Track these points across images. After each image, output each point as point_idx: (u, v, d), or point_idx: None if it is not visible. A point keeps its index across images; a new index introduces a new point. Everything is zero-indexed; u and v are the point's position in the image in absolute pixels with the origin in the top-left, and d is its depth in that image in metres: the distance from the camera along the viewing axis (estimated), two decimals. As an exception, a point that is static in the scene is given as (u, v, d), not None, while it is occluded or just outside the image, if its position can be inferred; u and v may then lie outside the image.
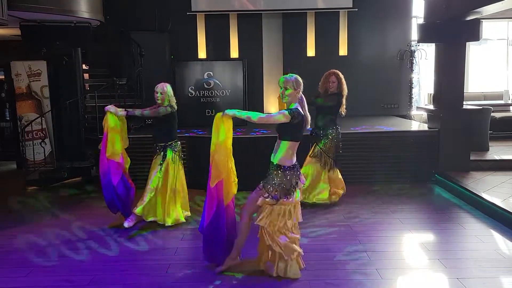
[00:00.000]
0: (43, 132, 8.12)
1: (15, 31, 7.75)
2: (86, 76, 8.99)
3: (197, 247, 4.62)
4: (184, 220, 5.30)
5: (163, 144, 5.28)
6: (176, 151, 5.31)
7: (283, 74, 9.11)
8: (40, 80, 8.62)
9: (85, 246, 4.73)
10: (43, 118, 8.07)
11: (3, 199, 6.74)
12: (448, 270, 4.01)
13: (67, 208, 6.16)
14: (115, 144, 5.10)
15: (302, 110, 3.75)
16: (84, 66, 8.44)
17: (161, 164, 5.23)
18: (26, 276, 4.04)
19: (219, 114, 3.81)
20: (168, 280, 3.91)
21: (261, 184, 3.83)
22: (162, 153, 5.26)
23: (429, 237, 5.00)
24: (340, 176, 5.99)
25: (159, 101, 5.19)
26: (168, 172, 5.23)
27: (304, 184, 4.20)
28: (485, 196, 5.69)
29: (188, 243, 4.82)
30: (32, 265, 4.28)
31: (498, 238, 4.78)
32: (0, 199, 6.77)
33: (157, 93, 5.18)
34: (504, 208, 5.20)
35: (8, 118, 9.73)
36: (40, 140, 7.84)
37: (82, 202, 6.51)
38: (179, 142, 5.42)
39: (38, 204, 6.43)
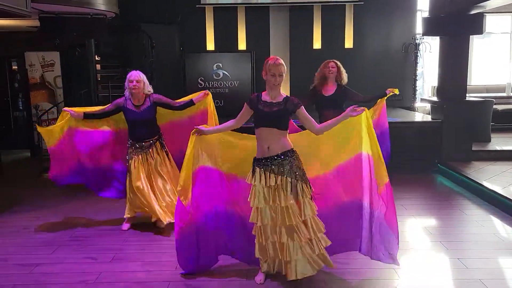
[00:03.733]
0: (58, 121, 8.36)
1: (30, 22, 7.96)
2: (97, 67, 9.21)
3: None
4: None
5: (152, 139, 4.85)
6: (162, 141, 4.97)
7: (289, 67, 9.42)
8: (53, 71, 8.90)
9: (106, 227, 4.97)
10: (56, 108, 8.31)
11: (21, 185, 7.00)
12: (449, 251, 4.24)
13: (84, 192, 6.39)
14: None
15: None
16: (96, 57, 8.66)
17: (148, 161, 4.84)
18: (52, 254, 4.30)
19: None
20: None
21: (289, 180, 3.47)
22: (152, 149, 4.83)
23: (431, 221, 5.23)
24: None
25: (135, 90, 4.65)
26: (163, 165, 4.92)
27: None
28: (486, 184, 5.91)
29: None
30: (56, 244, 4.53)
31: (497, 223, 5.01)
32: (18, 185, 7.04)
33: (132, 81, 4.63)
34: (504, 195, 5.42)
35: (21, 108, 9.97)
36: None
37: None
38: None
39: (55, 189, 6.66)
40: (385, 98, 5.44)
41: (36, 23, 7.46)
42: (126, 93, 4.75)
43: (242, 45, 9.66)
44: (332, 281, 3.66)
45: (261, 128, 3.47)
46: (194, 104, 4.86)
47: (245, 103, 3.59)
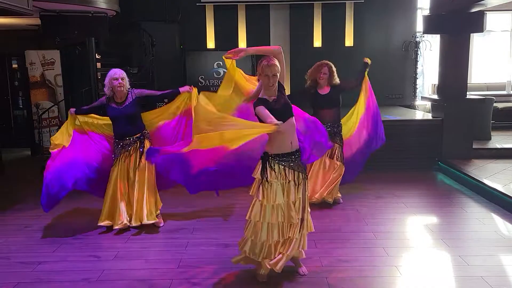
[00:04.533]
0: (59, 119, 8.39)
1: (31, 21, 7.97)
2: (98, 65, 9.22)
3: (217, 224, 4.91)
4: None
5: (137, 135, 4.81)
6: (148, 137, 4.92)
7: (289, 65, 9.42)
8: (53, 69, 8.90)
9: (106, 226, 4.95)
10: (57, 106, 8.32)
11: (22, 184, 7.01)
12: (450, 248, 4.25)
13: (84, 191, 6.41)
14: None
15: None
16: (96, 56, 8.66)
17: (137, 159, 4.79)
18: (54, 252, 4.31)
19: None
20: (187, 255, 4.17)
21: (303, 176, 3.54)
22: (138, 145, 4.79)
23: (432, 219, 5.24)
24: None
25: (121, 88, 4.64)
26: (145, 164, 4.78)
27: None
28: (486, 182, 5.92)
29: (202, 224, 5.07)
30: (58, 242, 4.54)
31: (498, 220, 5.02)
32: (19, 184, 7.04)
33: (117, 79, 4.61)
34: (505, 193, 5.43)
35: (21, 106, 9.98)
36: (57, 127, 8.10)
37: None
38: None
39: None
40: (367, 71, 5.59)
41: (37, 21, 7.47)
42: (107, 91, 4.71)
43: (242, 43, 9.66)
44: (334, 278, 3.67)
45: (284, 124, 3.32)
46: (179, 92, 4.90)
47: (260, 107, 3.35)
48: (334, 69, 5.38)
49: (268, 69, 3.38)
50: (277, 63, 3.41)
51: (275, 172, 3.43)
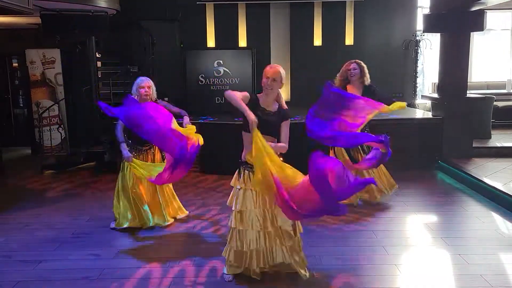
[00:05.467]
0: (59, 118, 8.40)
1: (31, 20, 7.97)
2: (98, 64, 9.22)
3: (218, 222, 4.92)
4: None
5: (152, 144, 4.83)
6: None
7: (290, 64, 9.43)
8: (54, 68, 8.90)
9: (109, 223, 4.97)
10: (57, 105, 8.33)
11: (22, 183, 7.02)
12: (450, 247, 4.26)
13: (85, 190, 6.43)
14: None
15: None
16: (96, 54, 8.66)
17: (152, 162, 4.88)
18: (55, 250, 4.32)
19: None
20: (188, 253, 4.18)
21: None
22: (149, 152, 4.89)
23: (432, 218, 5.24)
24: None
25: (146, 97, 4.65)
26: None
27: None
28: (486, 180, 5.93)
29: (203, 222, 5.08)
30: (59, 241, 4.55)
31: (498, 219, 5.03)
32: (19, 183, 7.05)
33: (143, 87, 4.65)
34: (505, 191, 5.44)
35: (21, 105, 9.98)
36: (57, 126, 8.11)
37: (98, 184, 6.76)
38: None
39: (57, 187, 6.70)
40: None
41: (37, 20, 7.47)
42: (135, 98, 4.62)
43: (242, 42, 9.65)
44: (334, 277, 3.68)
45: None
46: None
47: (249, 95, 3.43)
48: (364, 65, 5.30)
49: (269, 71, 3.44)
50: (281, 70, 3.46)
51: (244, 178, 3.48)
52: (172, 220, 4.99)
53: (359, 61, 5.32)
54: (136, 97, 4.66)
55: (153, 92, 4.76)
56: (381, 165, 5.41)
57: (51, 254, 4.24)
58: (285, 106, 3.61)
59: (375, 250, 4.21)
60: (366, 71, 5.32)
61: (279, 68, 3.47)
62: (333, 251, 4.19)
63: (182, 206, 5.20)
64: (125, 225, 4.80)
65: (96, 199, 5.94)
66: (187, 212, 5.21)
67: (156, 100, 4.80)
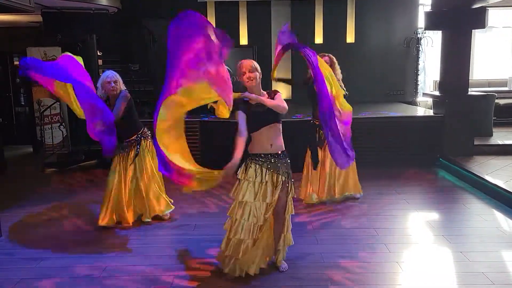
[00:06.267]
0: (61, 116, 8.40)
1: (32, 18, 7.96)
2: (99, 62, 9.22)
3: (218, 221, 4.93)
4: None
5: (134, 137, 4.76)
6: (148, 137, 4.83)
7: (291, 61, 9.43)
8: (55, 66, 8.86)
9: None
10: (59, 103, 8.33)
11: (24, 181, 7.04)
12: (452, 244, 4.26)
13: (86, 188, 6.45)
14: None
15: None
16: (97, 52, 8.66)
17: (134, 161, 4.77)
18: (57, 248, 4.33)
19: None
20: (189, 251, 4.19)
21: (283, 179, 3.56)
22: (135, 147, 4.76)
23: (434, 215, 5.25)
24: None
25: (114, 92, 4.56)
26: (146, 162, 4.81)
27: None
28: (488, 178, 5.92)
29: (204, 220, 5.08)
30: (61, 238, 4.57)
31: (500, 216, 5.03)
32: (21, 181, 7.07)
33: (110, 83, 4.52)
34: (507, 189, 5.43)
35: (23, 103, 9.99)
36: (59, 124, 8.12)
37: (100, 182, 6.76)
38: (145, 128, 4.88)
39: (58, 185, 6.71)
40: None
41: (39, 18, 7.48)
42: (99, 93, 4.52)
43: (243, 40, 9.65)
44: (336, 274, 3.69)
45: (262, 129, 3.48)
46: None
47: (238, 112, 3.42)
48: (335, 60, 5.31)
49: (241, 67, 3.49)
50: (251, 61, 3.50)
51: (249, 170, 3.50)
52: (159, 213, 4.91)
53: (331, 56, 5.29)
54: (102, 92, 4.55)
55: (119, 85, 4.61)
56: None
57: (53, 251, 4.25)
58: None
59: (376, 248, 4.22)
60: (337, 67, 5.29)
61: (248, 61, 3.51)
62: (334, 249, 4.19)
63: (169, 201, 5.03)
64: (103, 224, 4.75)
65: (98, 197, 5.93)
66: (173, 207, 5.06)
67: (121, 90, 4.63)
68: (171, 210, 5.06)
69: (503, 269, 3.80)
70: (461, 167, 6.63)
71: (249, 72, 3.46)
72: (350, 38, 9.77)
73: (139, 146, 4.75)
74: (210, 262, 3.95)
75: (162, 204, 4.97)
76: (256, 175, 3.49)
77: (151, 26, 8.53)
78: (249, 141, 3.53)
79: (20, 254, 4.23)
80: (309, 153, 5.49)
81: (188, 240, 4.47)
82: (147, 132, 4.86)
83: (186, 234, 4.64)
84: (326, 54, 5.32)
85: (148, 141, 4.80)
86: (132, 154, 4.76)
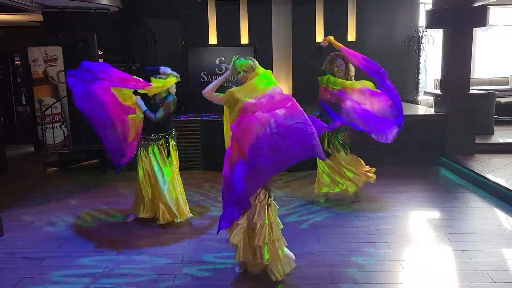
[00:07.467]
0: (62, 115, 8.41)
1: (33, 17, 7.96)
2: (100, 61, 9.22)
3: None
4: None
5: (163, 134, 4.86)
6: (175, 138, 4.99)
7: (292, 60, 9.43)
8: (56, 66, 8.88)
9: (112, 220, 5.01)
10: (60, 102, 8.34)
11: (26, 180, 7.05)
12: (453, 243, 4.26)
13: (88, 187, 6.45)
14: None
15: None
16: (98, 52, 8.65)
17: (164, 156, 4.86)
18: (58, 247, 4.34)
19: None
20: (190, 250, 4.19)
21: None
22: (163, 143, 4.86)
23: (435, 214, 5.24)
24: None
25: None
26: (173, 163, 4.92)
27: None
28: (489, 176, 5.92)
29: (204, 219, 5.08)
30: (62, 238, 4.57)
31: (501, 215, 5.02)
32: (23, 180, 7.07)
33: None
34: (508, 187, 5.43)
35: (24, 103, 10.00)
36: (60, 123, 8.12)
37: (101, 181, 6.78)
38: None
39: (60, 184, 6.71)
40: None
41: (39, 18, 7.47)
42: None
43: (244, 39, 9.63)
44: (336, 273, 3.69)
45: None
46: None
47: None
48: (347, 59, 5.28)
49: (238, 66, 3.83)
50: (246, 61, 3.82)
51: None
52: (183, 219, 4.84)
53: (342, 56, 5.29)
54: None
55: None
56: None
57: (55, 251, 4.26)
58: None
59: (377, 246, 4.22)
60: (351, 66, 5.36)
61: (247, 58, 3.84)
62: (335, 247, 4.20)
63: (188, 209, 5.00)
64: (140, 215, 4.85)
65: (99, 196, 5.96)
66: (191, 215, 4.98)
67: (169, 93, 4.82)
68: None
69: (504, 267, 3.79)
70: (462, 165, 6.62)
71: (244, 72, 3.78)
72: (351, 36, 9.74)
73: (169, 144, 4.84)
74: (211, 262, 3.94)
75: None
76: None
77: (152, 25, 8.51)
78: None
79: (21, 253, 4.23)
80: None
81: (189, 239, 4.47)
82: (174, 133, 4.97)
83: (187, 233, 4.64)
84: (339, 54, 5.30)
85: (173, 142, 4.91)
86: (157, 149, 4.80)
